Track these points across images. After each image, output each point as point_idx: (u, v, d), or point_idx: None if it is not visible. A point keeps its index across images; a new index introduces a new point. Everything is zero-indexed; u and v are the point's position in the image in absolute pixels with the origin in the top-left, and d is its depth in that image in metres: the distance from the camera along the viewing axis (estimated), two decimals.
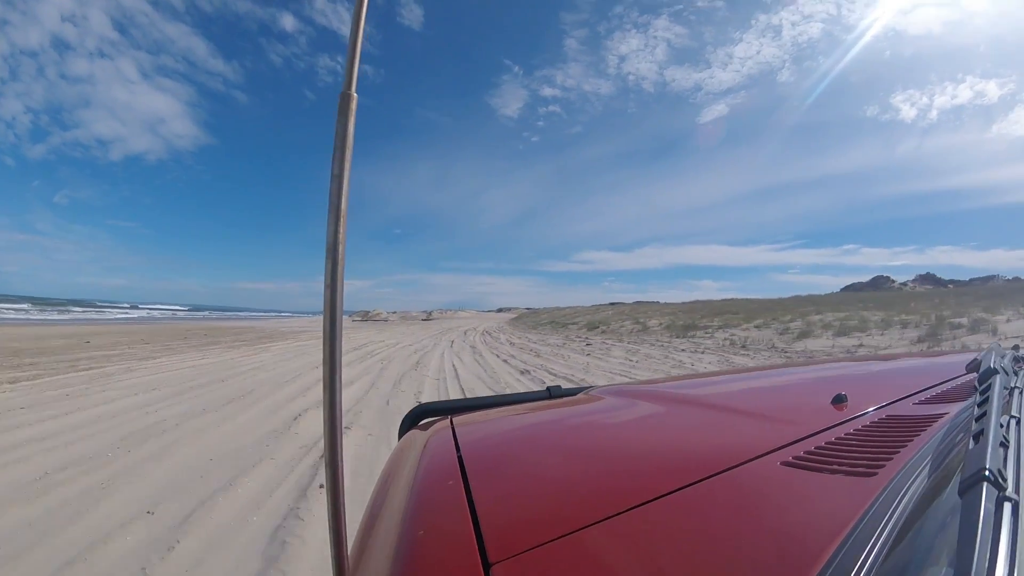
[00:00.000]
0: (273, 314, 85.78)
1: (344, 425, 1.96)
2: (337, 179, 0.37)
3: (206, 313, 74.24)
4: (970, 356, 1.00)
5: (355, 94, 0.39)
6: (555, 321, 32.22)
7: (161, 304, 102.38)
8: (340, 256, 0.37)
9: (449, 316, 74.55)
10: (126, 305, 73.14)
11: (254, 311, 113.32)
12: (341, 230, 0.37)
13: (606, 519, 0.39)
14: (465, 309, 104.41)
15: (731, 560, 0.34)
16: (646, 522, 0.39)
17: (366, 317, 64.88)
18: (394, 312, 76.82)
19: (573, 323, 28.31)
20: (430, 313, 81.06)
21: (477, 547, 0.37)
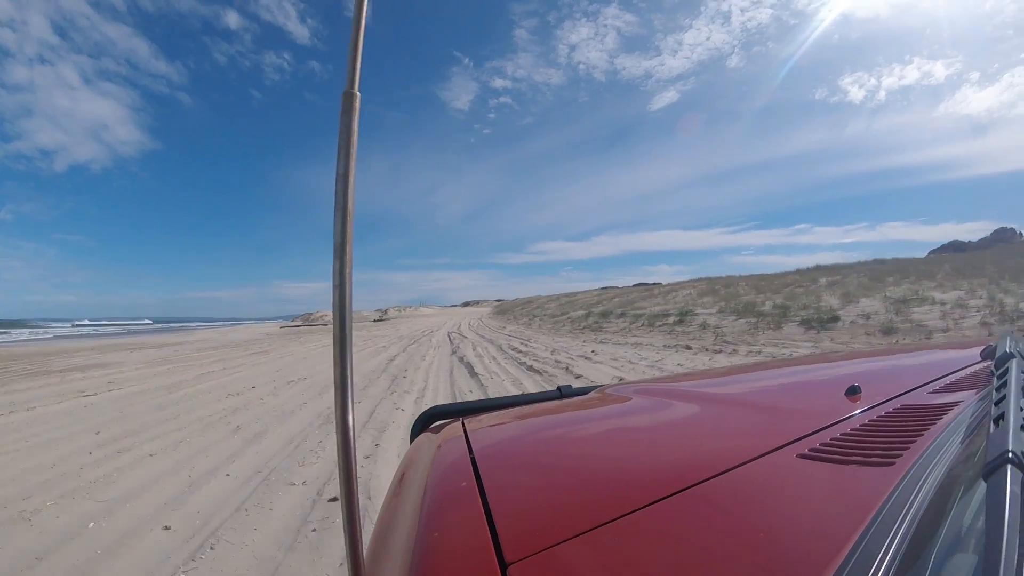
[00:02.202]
0: (231, 323, 72.16)
1: None
2: (343, 178, 0.36)
3: (163, 325, 65.89)
4: (984, 345, 1.00)
5: (358, 92, 0.38)
6: (617, 310, 18.17)
7: (107, 320, 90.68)
8: (348, 256, 0.36)
9: (409, 314, 59.36)
10: (67, 324, 61.99)
11: (211, 321, 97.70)
12: (348, 230, 0.36)
13: (622, 516, 0.38)
14: (427, 305, 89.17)
15: (752, 552, 0.33)
16: (662, 518, 0.38)
17: (306, 321, 50.60)
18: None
19: (645, 314, 14.47)
20: (384, 312, 65.33)
21: (493, 547, 0.36)
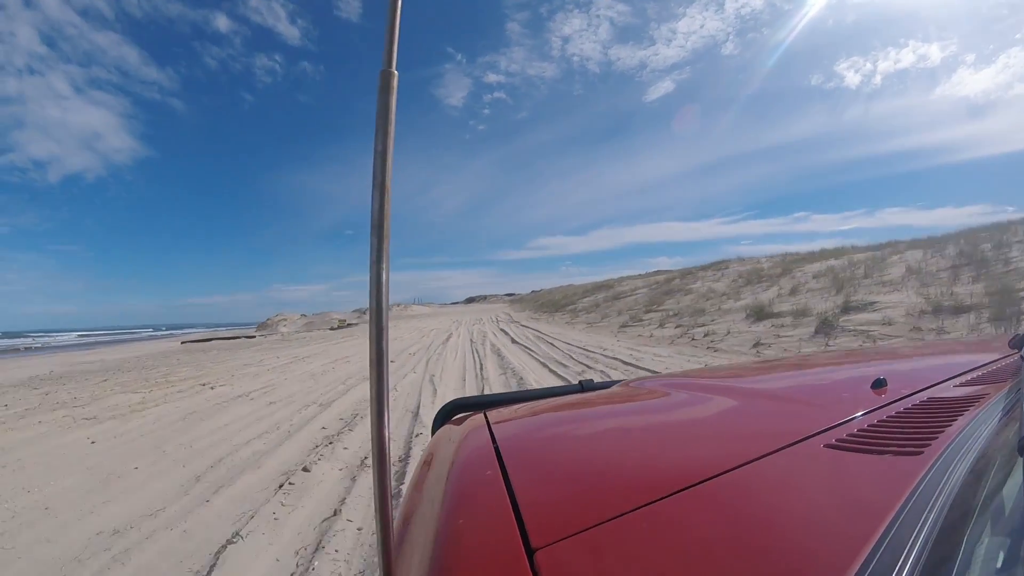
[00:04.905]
0: (228, 327, 63.46)
1: None
2: (381, 155, 0.37)
3: (154, 331, 64.73)
4: (1012, 336, 1.02)
5: (396, 71, 0.39)
6: None
7: (107, 329, 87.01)
8: (386, 232, 0.36)
9: (394, 315, 42.13)
10: (66, 334, 57.53)
11: (213, 326, 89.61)
12: (387, 206, 0.37)
13: (648, 504, 0.39)
14: (422, 303, 71.62)
15: (780, 538, 0.33)
16: (688, 506, 0.39)
17: (261, 329, 34.64)
18: (311, 315, 43.11)
19: None
20: (362, 313, 47.41)
21: (519, 533, 0.36)
